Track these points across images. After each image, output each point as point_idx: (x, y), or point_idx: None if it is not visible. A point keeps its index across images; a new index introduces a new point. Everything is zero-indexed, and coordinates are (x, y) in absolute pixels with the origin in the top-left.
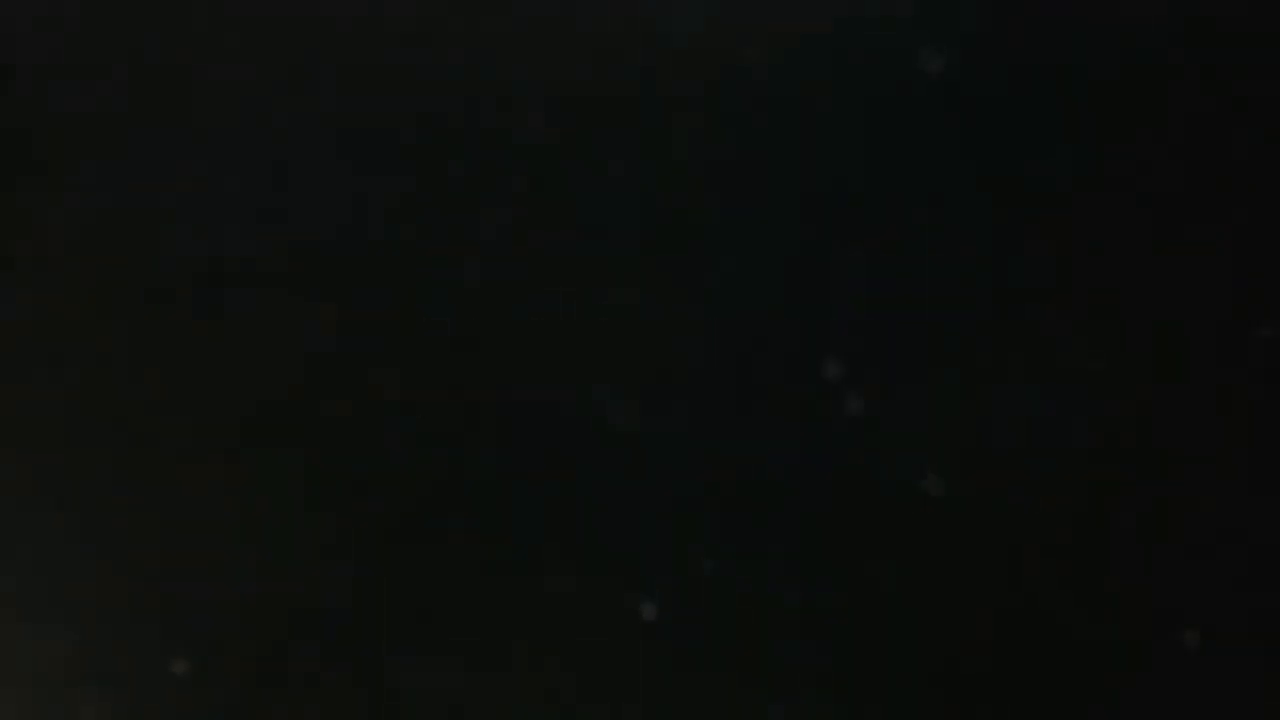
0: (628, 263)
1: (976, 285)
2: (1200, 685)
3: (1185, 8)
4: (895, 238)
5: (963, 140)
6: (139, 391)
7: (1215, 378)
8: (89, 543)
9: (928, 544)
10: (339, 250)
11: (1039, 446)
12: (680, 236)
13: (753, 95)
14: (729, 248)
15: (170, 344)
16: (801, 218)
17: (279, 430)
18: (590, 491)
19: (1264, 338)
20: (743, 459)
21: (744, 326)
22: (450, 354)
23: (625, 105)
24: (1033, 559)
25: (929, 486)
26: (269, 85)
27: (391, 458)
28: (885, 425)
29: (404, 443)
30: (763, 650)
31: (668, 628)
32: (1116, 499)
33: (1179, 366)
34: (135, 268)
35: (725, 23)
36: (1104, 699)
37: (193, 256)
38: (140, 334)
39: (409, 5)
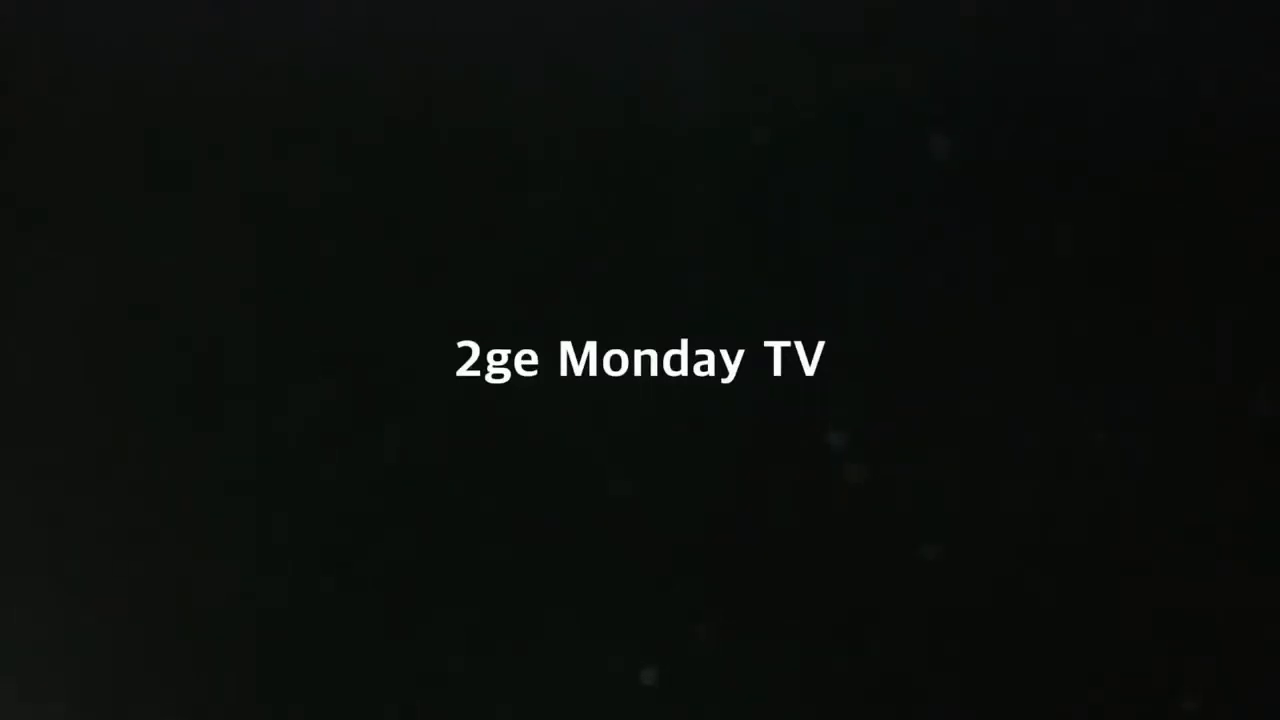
0: (630, 331)
1: (976, 358)
2: None
3: (1191, 90)
4: (897, 312)
5: (967, 218)
6: (133, 456)
7: (1213, 450)
8: (85, 610)
9: (926, 610)
10: (339, 315)
11: (1036, 514)
12: (684, 306)
13: (760, 171)
14: (732, 317)
15: (166, 412)
16: (805, 290)
17: (276, 497)
18: (591, 557)
19: (1261, 413)
20: (742, 525)
21: (746, 395)
22: (448, 420)
23: (635, 180)
24: (1030, 625)
25: (927, 554)
26: (270, 150)
27: (390, 523)
28: (885, 493)
29: (402, 508)
30: (761, 716)
31: (667, 693)
32: (1113, 566)
33: (1177, 438)
34: (127, 336)
35: (733, 104)
36: None
37: (188, 325)
38: (135, 401)
39: (419, 86)
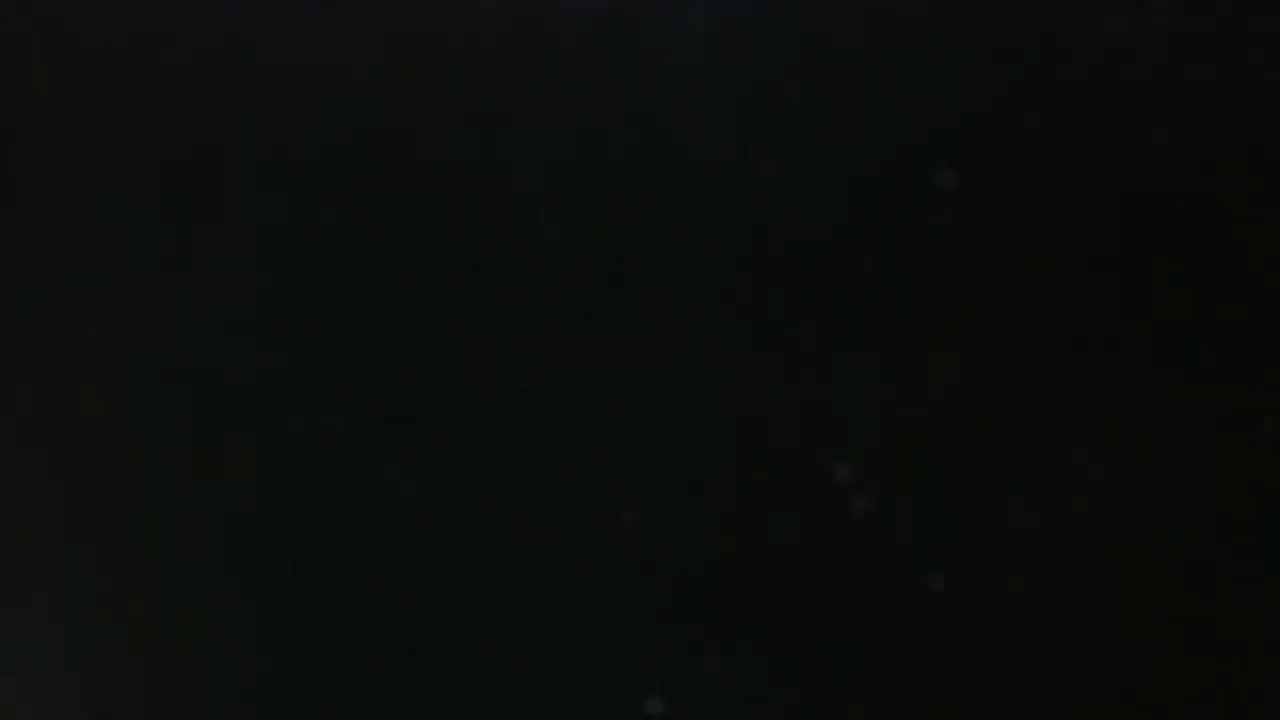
0: (636, 363)
1: (983, 392)
2: None
3: (1198, 125)
4: (905, 345)
5: (973, 254)
6: (138, 491)
7: (1222, 481)
8: (85, 631)
9: (937, 640)
10: (347, 350)
11: (1041, 546)
12: (690, 337)
13: (766, 203)
14: (739, 349)
15: (168, 445)
16: (812, 323)
17: (280, 530)
18: (597, 586)
19: (1263, 441)
20: (750, 556)
21: (753, 427)
22: (456, 451)
23: (638, 211)
24: (1035, 656)
25: (933, 585)
26: (271, 152)
27: (396, 553)
28: (892, 525)
29: (408, 538)
30: None
31: None
32: (1117, 598)
33: (1181, 470)
34: (128, 339)
35: (740, 135)
36: None
37: (188, 327)
38: (140, 438)
39: (424, 115)
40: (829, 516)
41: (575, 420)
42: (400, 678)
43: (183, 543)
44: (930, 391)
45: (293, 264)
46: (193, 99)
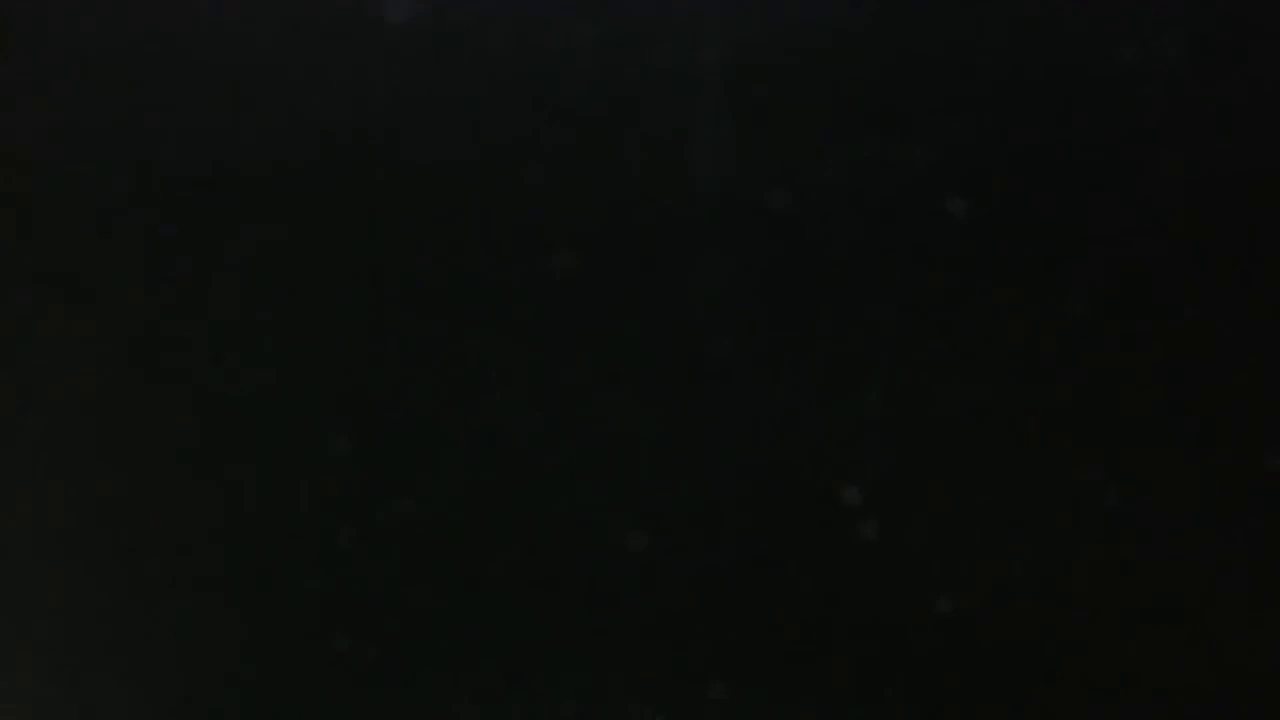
0: (644, 389)
1: (990, 416)
2: None
3: (1205, 151)
4: (914, 370)
5: (982, 279)
6: (140, 502)
7: (1223, 506)
8: (90, 653)
9: (940, 665)
10: (351, 376)
11: (1050, 569)
12: (698, 363)
13: (776, 234)
14: (748, 375)
15: (169, 471)
16: (822, 350)
17: (283, 549)
18: (602, 612)
19: (1269, 466)
20: (756, 581)
21: (760, 452)
22: (460, 477)
23: (650, 242)
24: (1044, 679)
25: (941, 609)
26: (270, 153)
27: (399, 579)
28: (901, 549)
29: (411, 564)
30: None
31: None
32: (1126, 620)
33: (1189, 495)
34: (131, 343)
35: (750, 166)
36: None
37: (189, 336)
38: (143, 462)
39: (436, 158)
40: (834, 540)
41: (580, 443)
42: (403, 703)
43: (186, 555)
44: (939, 412)
45: (292, 263)
46: (193, 100)
